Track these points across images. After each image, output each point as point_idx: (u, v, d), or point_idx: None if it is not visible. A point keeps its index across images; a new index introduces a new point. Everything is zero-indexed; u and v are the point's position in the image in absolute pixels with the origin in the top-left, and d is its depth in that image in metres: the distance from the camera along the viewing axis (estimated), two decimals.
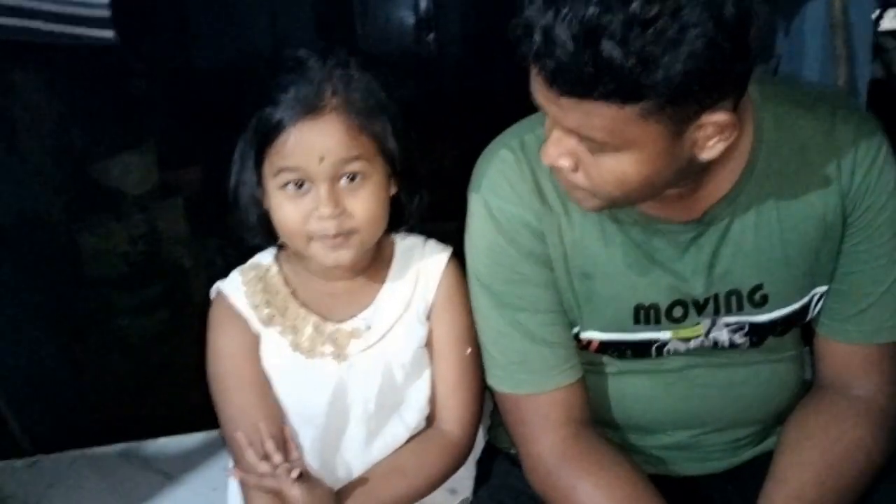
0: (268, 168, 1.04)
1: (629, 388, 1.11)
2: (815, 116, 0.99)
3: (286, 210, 1.04)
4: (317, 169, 1.01)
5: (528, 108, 0.96)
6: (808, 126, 0.99)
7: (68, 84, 2.59)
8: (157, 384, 2.29)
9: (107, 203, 2.85)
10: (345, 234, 1.04)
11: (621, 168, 0.87)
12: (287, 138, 1.01)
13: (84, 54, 1.98)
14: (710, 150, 0.88)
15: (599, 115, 0.82)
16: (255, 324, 1.11)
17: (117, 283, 2.74)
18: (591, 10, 0.76)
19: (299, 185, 1.03)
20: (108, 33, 1.69)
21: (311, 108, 1.01)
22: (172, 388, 2.18)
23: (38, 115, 2.51)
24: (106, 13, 1.68)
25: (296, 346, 1.10)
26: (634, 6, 0.75)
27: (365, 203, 1.04)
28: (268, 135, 1.02)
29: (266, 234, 1.11)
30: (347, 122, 1.02)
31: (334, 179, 1.03)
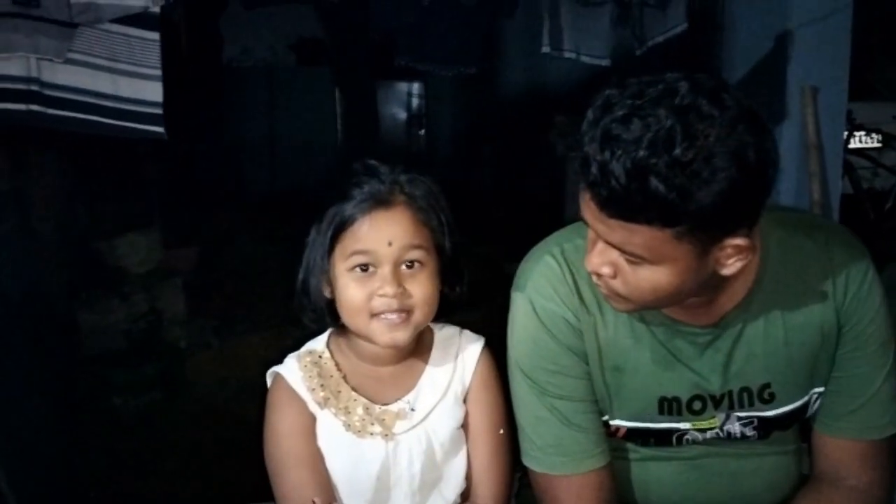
0: (339, 253, 1.18)
1: (650, 473, 1.22)
2: (814, 241, 1.15)
3: (352, 290, 1.17)
4: (385, 252, 1.16)
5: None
6: (807, 249, 1.15)
7: (77, 167, 2.67)
8: (157, 461, 2.28)
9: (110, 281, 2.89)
10: (405, 313, 1.17)
11: (655, 278, 1.02)
12: (361, 225, 1.17)
13: (93, 140, 2.07)
14: (730, 266, 1.03)
15: (641, 235, 0.98)
16: (312, 405, 1.21)
17: (117, 360, 2.79)
18: (642, 152, 0.92)
19: (365, 268, 1.17)
20: (159, 129, 1.81)
21: (383, 202, 1.18)
22: (173, 465, 2.18)
23: (49, 195, 2.60)
24: (158, 111, 1.79)
25: (348, 427, 1.20)
26: (677, 152, 0.92)
27: (422, 286, 1.18)
28: (343, 223, 1.17)
29: (330, 317, 1.22)
30: (413, 215, 1.19)
31: (398, 263, 1.17)
